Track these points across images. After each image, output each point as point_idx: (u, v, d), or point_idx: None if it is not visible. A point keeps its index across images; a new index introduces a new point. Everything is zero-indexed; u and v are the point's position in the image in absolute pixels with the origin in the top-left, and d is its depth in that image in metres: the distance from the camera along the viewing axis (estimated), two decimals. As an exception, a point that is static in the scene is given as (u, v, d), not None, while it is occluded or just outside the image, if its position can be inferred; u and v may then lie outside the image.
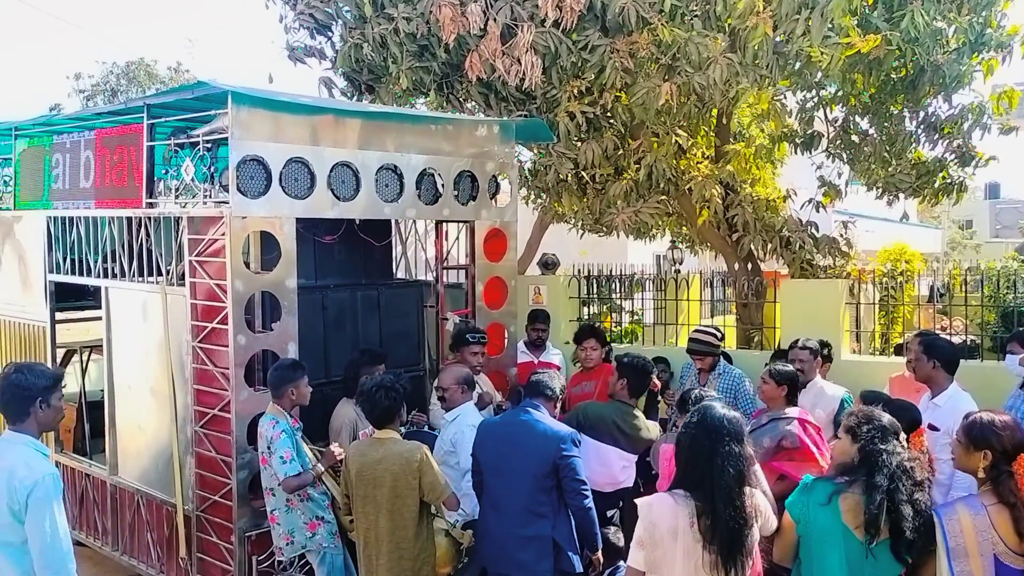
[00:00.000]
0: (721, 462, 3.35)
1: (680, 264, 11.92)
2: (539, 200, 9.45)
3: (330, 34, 8.09)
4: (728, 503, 3.32)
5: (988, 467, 3.50)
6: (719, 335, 6.50)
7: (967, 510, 3.47)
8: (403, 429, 5.35)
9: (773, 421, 4.98)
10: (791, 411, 5.03)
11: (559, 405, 5.09)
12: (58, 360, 7.26)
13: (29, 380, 3.68)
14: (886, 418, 3.61)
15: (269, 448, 5.06)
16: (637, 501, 3.56)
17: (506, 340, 7.02)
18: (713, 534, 3.32)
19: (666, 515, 3.43)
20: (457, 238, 7.16)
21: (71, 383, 7.57)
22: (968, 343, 8.09)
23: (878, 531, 3.37)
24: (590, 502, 4.66)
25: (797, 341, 6.10)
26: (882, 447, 3.47)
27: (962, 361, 5.47)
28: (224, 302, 5.33)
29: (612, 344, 7.86)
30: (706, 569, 3.35)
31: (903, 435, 3.62)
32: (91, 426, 7.36)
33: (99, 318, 6.59)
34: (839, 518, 3.45)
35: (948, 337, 6.28)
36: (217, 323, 5.39)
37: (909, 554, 3.42)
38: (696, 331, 6.57)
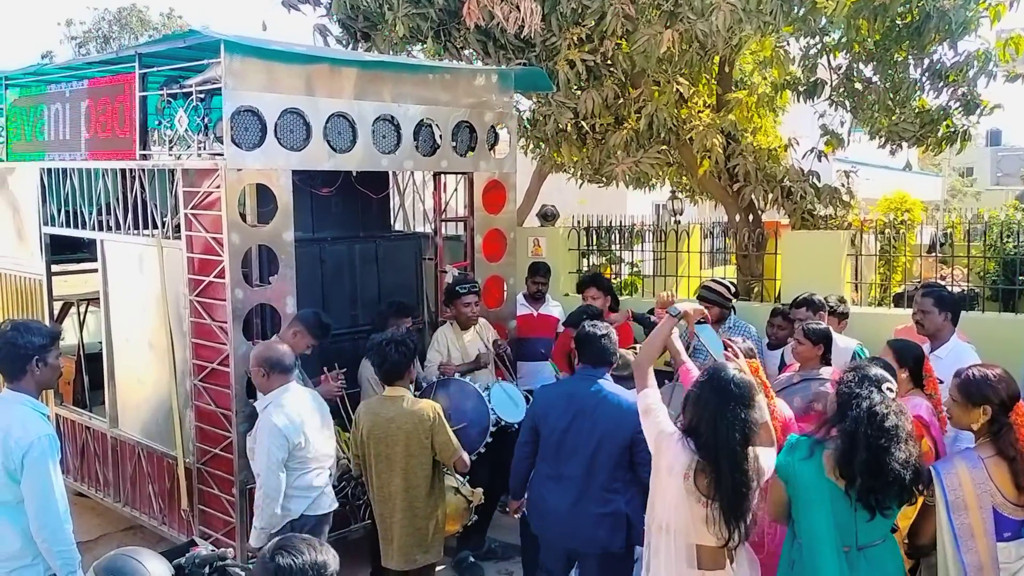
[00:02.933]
0: (727, 426, 3.34)
1: (680, 215, 11.84)
2: (538, 150, 9.34)
3: (325, -21, 7.93)
4: (733, 465, 3.32)
5: (988, 421, 3.49)
6: (732, 289, 6.48)
7: (964, 463, 3.48)
8: (436, 377, 5.64)
9: (805, 381, 4.83)
10: (825, 371, 4.88)
11: None
12: (55, 313, 7.23)
13: (26, 338, 3.66)
14: (873, 369, 3.55)
15: None
16: (656, 420, 3.64)
17: (505, 292, 6.98)
18: (716, 492, 3.33)
19: (669, 451, 3.51)
20: (456, 189, 7.08)
21: (69, 335, 7.55)
22: (968, 292, 8.06)
23: (851, 476, 3.32)
24: None
25: (796, 299, 6.01)
26: (857, 391, 3.40)
27: (963, 313, 5.44)
28: (220, 256, 5.27)
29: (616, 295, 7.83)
30: (708, 525, 3.37)
31: (891, 384, 3.51)
32: (90, 378, 7.36)
33: (96, 270, 6.55)
34: (823, 473, 3.42)
35: (949, 287, 6.25)
36: (214, 277, 5.34)
37: (879, 505, 3.33)
38: (710, 280, 6.58)
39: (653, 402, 3.75)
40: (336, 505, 4.87)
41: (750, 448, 3.37)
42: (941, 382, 4.86)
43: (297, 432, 4.54)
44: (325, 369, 5.45)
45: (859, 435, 3.31)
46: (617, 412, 4.34)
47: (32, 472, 3.50)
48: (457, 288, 6.19)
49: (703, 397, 3.45)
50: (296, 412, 4.60)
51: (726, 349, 4.26)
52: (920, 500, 3.50)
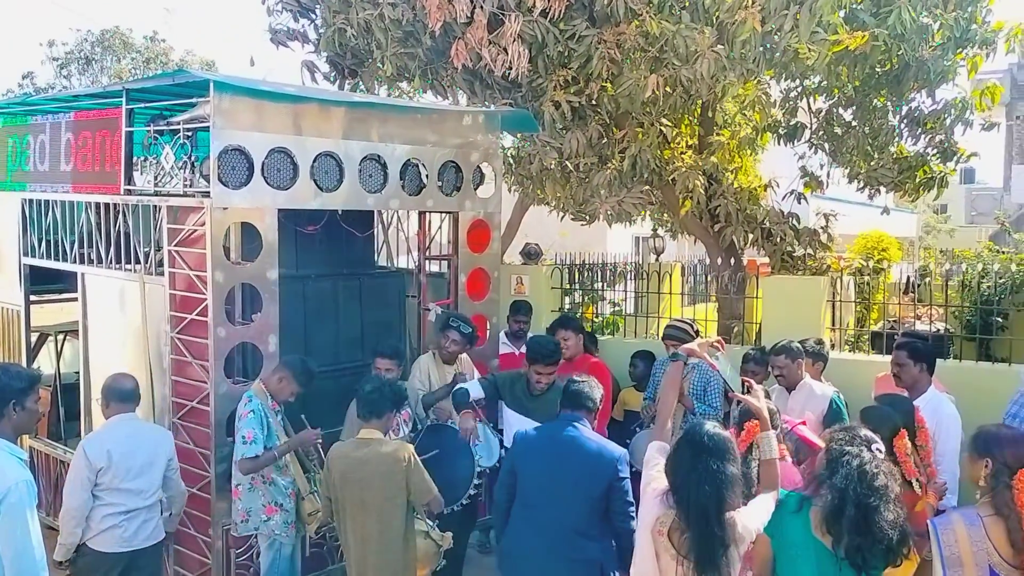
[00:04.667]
0: (697, 477, 3.33)
1: (661, 253, 11.91)
2: (522, 187, 9.40)
3: (313, 17, 7.96)
4: (703, 519, 3.30)
5: (988, 476, 3.52)
6: (694, 329, 6.49)
7: (962, 520, 3.49)
8: (429, 421, 5.73)
9: None
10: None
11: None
12: (32, 343, 7.15)
13: (4, 381, 3.62)
14: (863, 429, 3.60)
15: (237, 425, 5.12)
16: (648, 473, 3.65)
17: (488, 331, 6.98)
18: (688, 549, 3.33)
19: (645, 505, 3.55)
20: (440, 227, 7.10)
21: (45, 365, 7.47)
22: (944, 331, 8.15)
23: (838, 534, 3.33)
24: (635, 524, 4.59)
25: (775, 345, 5.99)
26: (847, 448, 3.43)
27: (940, 362, 5.49)
28: (204, 293, 5.26)
29: (594, 334, 7.87)
30: None
31: (880, 445, 3.57)
32: (65, 409, 7.28)
33: (75, 299, 6.50)
34: (809, 530, 3.42)
35: (923, 326, 6.27)
36: (196, 315, 5.32)
37: (865, 564, 3.32)
38: (673, 319, 6.63)
39: (651, 455, 3.75)
40: (134, 547, 4.77)
41: (728, 514, 3.34)
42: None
43: (101, 457, 4.64)
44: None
45: (848, 492, 3.33)
46: (595, 459, 4.37)
47: (8, 519, 3.44)
48: (450, 321, 6.14)
49: (679, 452, 3.47)
50: (110, 439, 4.72)
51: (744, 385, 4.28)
52: (908, 562, 3.51)
